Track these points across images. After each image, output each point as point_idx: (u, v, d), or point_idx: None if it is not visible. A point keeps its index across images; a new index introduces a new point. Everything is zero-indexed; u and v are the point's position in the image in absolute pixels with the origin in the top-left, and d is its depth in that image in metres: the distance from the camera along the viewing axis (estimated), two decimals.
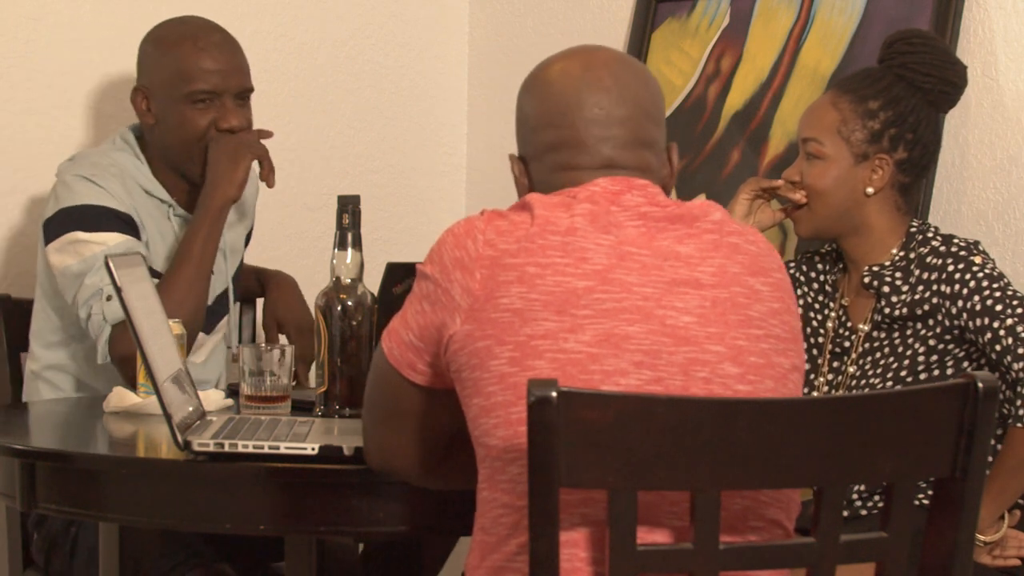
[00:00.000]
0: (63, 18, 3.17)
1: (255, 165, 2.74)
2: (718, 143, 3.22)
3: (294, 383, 2.77)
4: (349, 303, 2.29)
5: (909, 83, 2.54)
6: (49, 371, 2.74)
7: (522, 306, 1.66)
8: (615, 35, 3.48)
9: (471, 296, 1.68)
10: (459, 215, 3.83)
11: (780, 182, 2.60)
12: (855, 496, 2.50)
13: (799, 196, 2.56)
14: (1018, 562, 2.41)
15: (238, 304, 3.01)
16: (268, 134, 2.74)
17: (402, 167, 3.73)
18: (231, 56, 2.74)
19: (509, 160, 1.86)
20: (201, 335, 2.72)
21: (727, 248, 1.73)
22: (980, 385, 1.57)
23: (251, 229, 3.00)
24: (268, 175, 2.72)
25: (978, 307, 2.39)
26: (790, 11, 3.14)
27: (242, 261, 2.94)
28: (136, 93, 2.74)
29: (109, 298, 2.54)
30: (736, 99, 3.20)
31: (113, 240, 2.59)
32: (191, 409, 2.08)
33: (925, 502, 2.38)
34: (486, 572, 1.69)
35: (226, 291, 2.83)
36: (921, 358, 2.47)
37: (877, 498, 2.49)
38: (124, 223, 2.63)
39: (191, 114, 2.69)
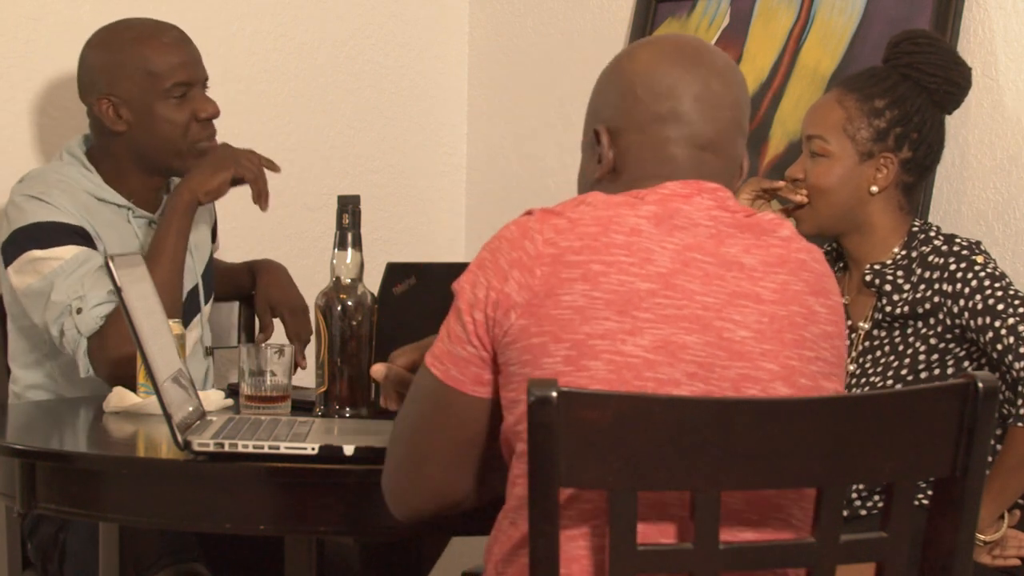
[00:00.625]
0: (63, 18, 3.17)
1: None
2: None
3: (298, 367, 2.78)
4: (349, 303, 2.29)
5: (915, 83, 2.55)
6: (30, 391, 2.75)
7: (584, 304, 1.63)
8: (615, 35, 3.48)
9: (530, 291, 1.65)
10: (459, 215, 3.83)
11: (782, 183, 2.60)
12: (854, 496, 2.50)
13: (800, 197, 2.56)
14: (1018, 562, 2.41)
15: (232, 309, 3.02)
16: (275, 168, 2.74)
17: (402, 167, 3.73)
18: (191, 47, 2.77)
19: (594, 133, 1.80)
20: None
21: (794, 264, 1.71)
22: (980, 385, 1.57)
23: (215, 224, 3.00)
24: (259, 199, 2.71)
25: (979, 306, 2.39)
26: (790, 11, 3.14)
27: (211, 257, 2.93)
28: (99, 103, 2.72)
29: (79, 311, 2.54)
30: None
31: (69, 253, 2.59)
32: (191, 409, 2.08)
33: (925, 502, 2.38)
34: (509, 564, 1.68)
35: (195, 288, 2.82)
36: (922, 357, 2.47)
37: (877, 498, 2.49)
38: (78, 235, 2.63)
39: (169, 111, 2.71)
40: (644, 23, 3.41)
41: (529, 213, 1.71)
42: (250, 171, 2.70)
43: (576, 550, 1.61)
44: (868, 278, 2.53)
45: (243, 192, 3.03)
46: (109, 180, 2.75)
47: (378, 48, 3.67)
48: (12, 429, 2.40)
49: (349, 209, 2.29)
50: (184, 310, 2.76)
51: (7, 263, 2.65)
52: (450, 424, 1.73)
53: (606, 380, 1.61)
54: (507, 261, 1.67)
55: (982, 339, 2.39)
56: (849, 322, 2.58)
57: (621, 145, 1.78)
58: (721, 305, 1.66)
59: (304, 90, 3.55)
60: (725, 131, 1.77)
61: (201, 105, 2.73)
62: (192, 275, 2.81)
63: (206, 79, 2.77)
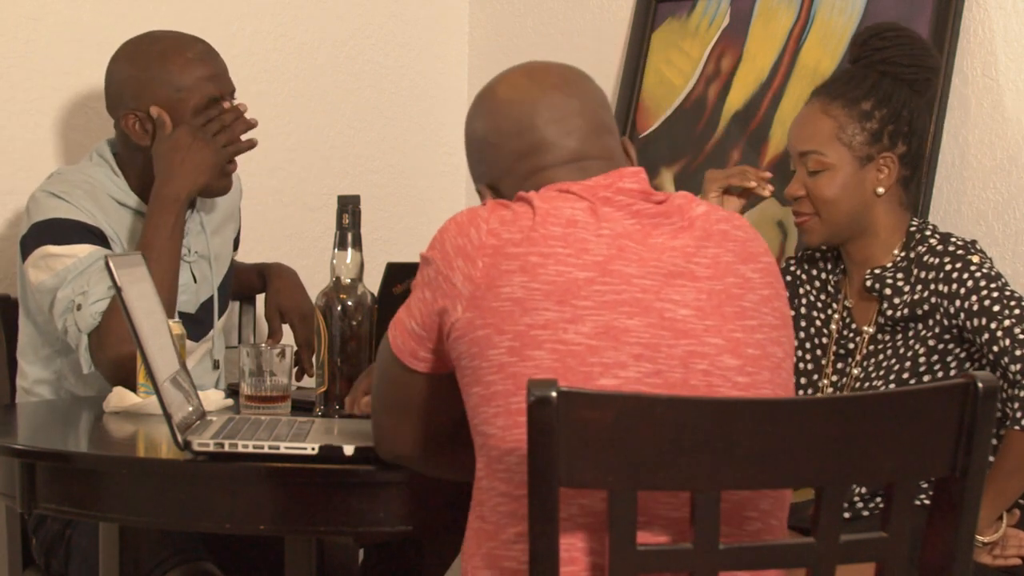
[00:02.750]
0: (63, 18, 3.17)
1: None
2: (718, 143, 3.22)
3: (298, 371, 2.77)
4: (349, 303, 2.29)
5: (894, 77, 2.54)
6: (40, 386, 2.74)
7: (523, 295, 1.67)
8: (615, 35, 3.48)
9: (472, 283, 1.69)
10: None
11: (753, 183, 2.58)
12: (856, 497, 2.50)
13: (767, 192, 2.59)
14: (1018, 561, 2.41)
15: (233, 309, 3.01)
16: (244, 106, 2.72)
17: (402, 167, 3.73)
18: (218, 60, 2.74)
19: (478, 194, 1.88)
20: (189, 343, 2.72)
21: (717, 236, 1.75)
22: (980, 385, 1.57)
23: (239, 233, 2.99)
24: (249, 141, 2.70)
25: (975, 307, 2.39)
26: (790, 11, 3.14)
27: (232, 264, 2.92)
28: (126, 118, 2.69)
29: (79, 307, 2.54)
30: (736, 99, 3.20)
31: (83, 252, 2.58)
32: (191, 409, 2.08)
33: (925, 502, 2.37)
34: (483, 559, 1.69)
35: (211, 300, 2.80)
36: (922, 359, 2.47)
37: (879, 499, 2.49)
38: (94, 235, 2.62)
39: None
40: (644, 23, 3.41)
41: (485, 202, 1.77)
42: (229, 138, 2.67)
43: (573, 551, 1.62)
44: (869, 283, 2.53)
45: (244, 193, 3.04)
46: (133, 188, 2.74)
47: (378, 48, 3.67)
48: (12, 429, 2.40)
49: (349, 209, 2.30)
50: (198, 322, 2.75)
51: (24, 256, 2.64)
52: (391, 386, 1.82)
53: (551, 368, 1.65)
54: (453, 247, 1.72)
55: (978, 340, 2.39)
56: (854, 326, 2.57)
57: (504, 193, 1.84)
58: (659, 287, 1.69)
59: (304, 90, 3.55)
60: (587, 136, 1.83)
61: None
62: (208, 286, 2.80)
63: (233, 91, 2.74)
